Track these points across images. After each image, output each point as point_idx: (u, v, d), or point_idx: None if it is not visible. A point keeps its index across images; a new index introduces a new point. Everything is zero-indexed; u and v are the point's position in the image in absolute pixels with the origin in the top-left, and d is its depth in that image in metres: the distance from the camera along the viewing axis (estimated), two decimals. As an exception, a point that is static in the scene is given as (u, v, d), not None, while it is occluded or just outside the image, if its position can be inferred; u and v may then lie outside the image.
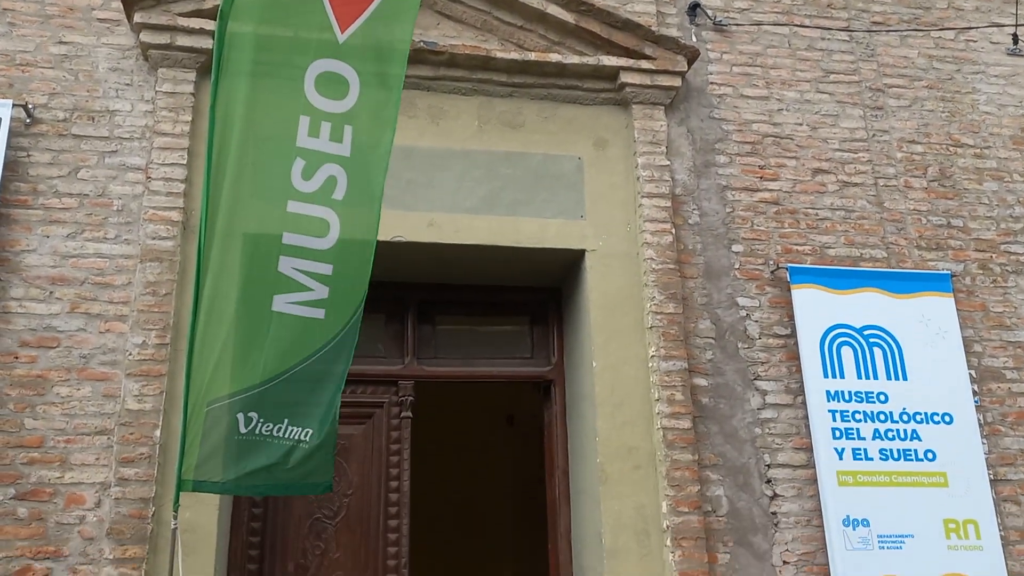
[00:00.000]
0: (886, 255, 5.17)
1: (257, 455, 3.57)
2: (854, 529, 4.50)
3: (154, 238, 4.38)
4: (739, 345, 4.88)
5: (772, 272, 5.01)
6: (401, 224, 4.66)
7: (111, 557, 3.87)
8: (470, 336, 5.32)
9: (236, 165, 3.59)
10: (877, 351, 4.85)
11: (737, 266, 5.03)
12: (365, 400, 4.94)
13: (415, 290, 5.18)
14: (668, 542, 4.40)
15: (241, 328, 3.58)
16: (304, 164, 3.61)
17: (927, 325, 4.92)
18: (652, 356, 4.70)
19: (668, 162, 5.06)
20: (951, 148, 5.54)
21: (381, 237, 4.40)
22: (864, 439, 4.67)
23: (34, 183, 4.41)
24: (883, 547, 4.48)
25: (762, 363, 4.86)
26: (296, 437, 3.61)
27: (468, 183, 4.86)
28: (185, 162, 4.52)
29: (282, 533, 4.63)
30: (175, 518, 3.59)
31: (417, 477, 4.92)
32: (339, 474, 4.72)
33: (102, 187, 4.48)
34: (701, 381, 4.76)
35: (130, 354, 4.19)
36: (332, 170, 3.62)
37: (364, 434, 4.90)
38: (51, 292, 4.25)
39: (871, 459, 4.64)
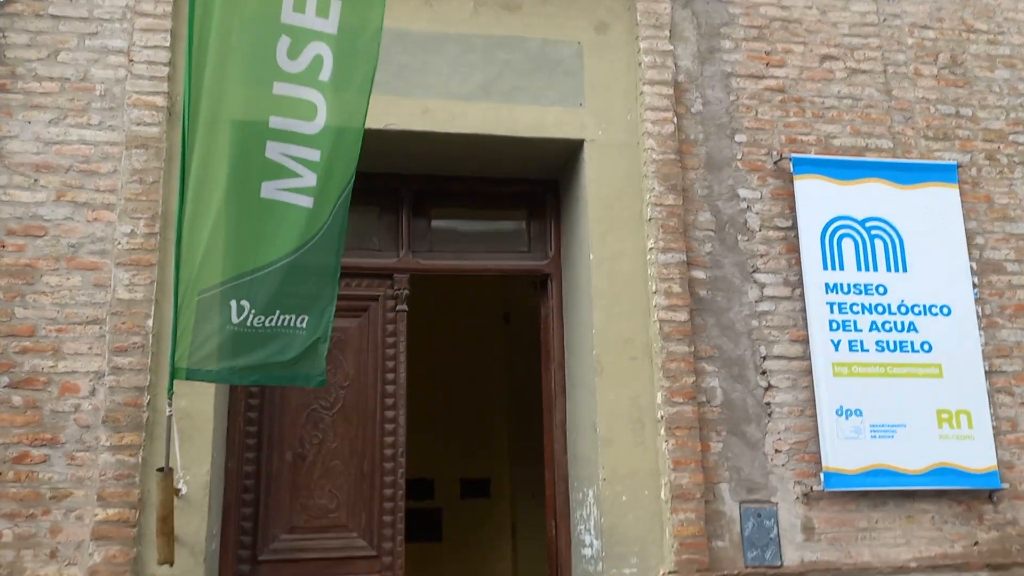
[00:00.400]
0: (892, 145, 5.04)
1: (250, 345, 3.55)
2: (847, 419, 4.53)
3: (139, 124, 4.25)
4: (739, 237, 4.80)
5: (775, 163, 4.90)
6: (393, 111, 4.51)
7: (108, 444, 3.90)
8: (466, 229, 5.24)
9: (219, 46, 3.44)
10: (878, 243, 4.78)
11: (739, 156, 4.90)
12: (360, 293, 4.90)
13: (410, 182, 5.07)
14: (662, 431, 4.44)
15: (230, 216, 3.51)
16: (289, 42, 3.45)
17: (930, 216, 4.84)
18: (651, 248, 4.64)
19: (671, 47, 4.87)
20: (964, 34, 5.33)
21: (373, 125, 4.30)
22: (861, 331, 4.66)
23: (12, 66, 4.25)
24: (875, 436, 4.53)
25: (761, 255, 4.80)
26: (290, 327, 3.58)
27: (463, 69, 4.69)
28: (168, 44, 4.35)
29: (279, 423, 4.67)
30: (170, 406, 3.60)
31: (414, 370, 4.93)
32: (335, 366, 4.73)
33: (83, 71, 4.31)
34: (699, 274, 4.70)
35: (119, 243, 4.12)
36: (318, 49, 3.47)
37: (360, 327, 4.88)
38: (36, 180, 4.15)
39: (867, 350, 4.64)
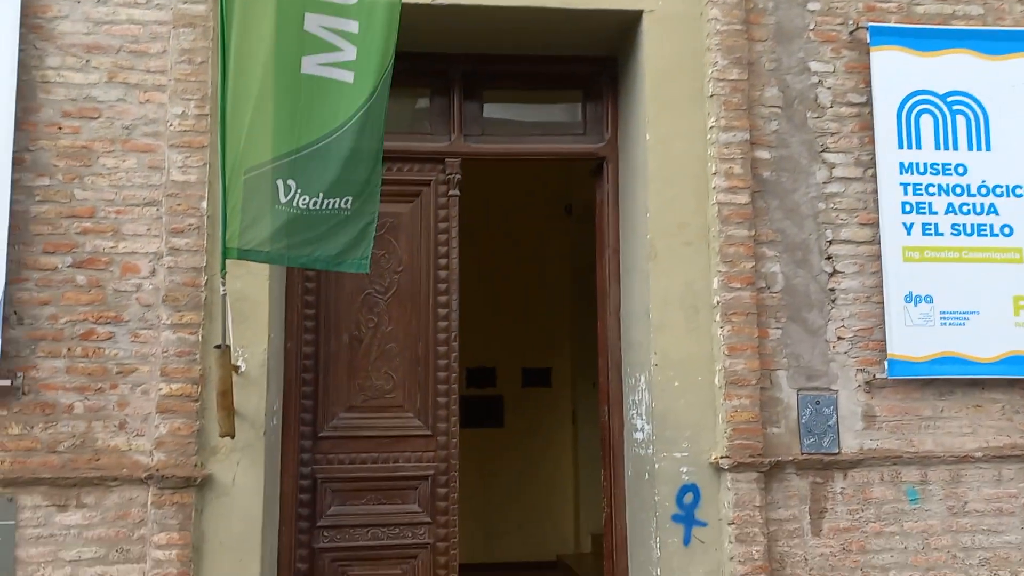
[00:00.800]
0: (982, 12, 4.62)
1: (298, 226, 3.56)
2: (916, 305, 4.34)
3: (185, 2, 4.18)
4: (808, 115, 4.53)
5: (851, 33, 4.56)
6: (441, -17, 4.32)
7: (169, 323, 4.00)
8: (519, 112, 5.09)
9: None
10: (960, 119, 4.45)
11: (812, 27, 4.57)
12: (412, 178, 4.84)
13: (460, 62, 4.91)
14: (717, 317, 4.33)
15: (274, 93, 3.47)
16: (325, -95, 3.30)
17: (1019, 90, 4.46)
18: (711, 127, 4.42)
19: (739, -94, 4.51)
20: None
21: (419, -1, 4.14)
22: (936, 213, 4.40)
23: (56, -57, 4.20)
24: (945, 323, 4.33)
25: (832, 134, 4.53)
26: (335, 209, 3.56)
27: (514, -65, 4.43)
28: (210, -83, 4.22)
29: (335, 306, 4.73)
30: (223, 285, 3.65)
31: (475, 260, 4.87)
32: (389, 251, 4.74)
33: (128, -53, 4.23)
34: (763, 154, 4.48)
35: (171, 125, 4.12)
36: (354, -90, 3.31)
37: (412, 212, 4.84)
38: (87, 61, 4.15)
39: (941, 234, 4.39)
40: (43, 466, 3.88)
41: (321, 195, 3.52)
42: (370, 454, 4.69)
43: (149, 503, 3.87)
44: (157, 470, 3.88)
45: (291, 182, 3.51)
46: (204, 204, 4.07)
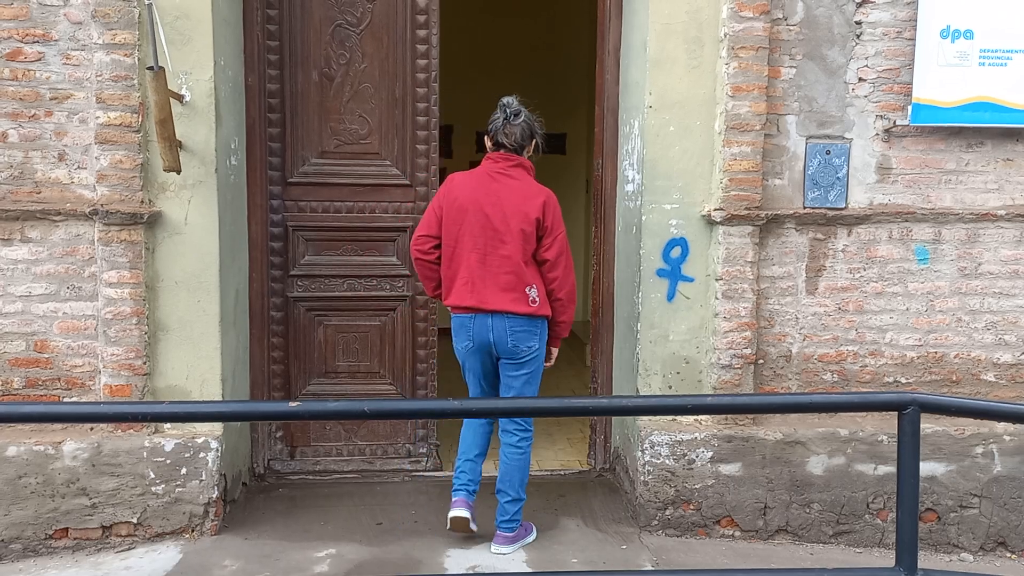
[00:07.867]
0: None
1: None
2: (952, 42, 3.75)
3: None
4: None
5: None
6: None
7: (101, 43, 3.57)
8: None
9: None
10: None
11: None
12: None
13: None
14: (723, 52, 3.80)
15: None
16: None
17: None
18: None
19: None
20: None
21: None
22: (994, -73, 3.70)
23: None
24: (984, 63, 3.76)
25: None
26: None
27: None
28: None
29: (302, 38, 4.27)
30: (149, -4, 3.20)
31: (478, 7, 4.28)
32: (362, -22, 4.20)
33: None
34: None
35: None
36: None
37: (386, -73, 4.24)
38: None
39: (996, -46, 3.71)
40: (-19, 197, 3.65)
41: None
42: (344, 203, 4.42)
43: (96, 240, 3.65)
44: (102, 205, 3.62)
45: None
46: (128, -101, 3.52)
